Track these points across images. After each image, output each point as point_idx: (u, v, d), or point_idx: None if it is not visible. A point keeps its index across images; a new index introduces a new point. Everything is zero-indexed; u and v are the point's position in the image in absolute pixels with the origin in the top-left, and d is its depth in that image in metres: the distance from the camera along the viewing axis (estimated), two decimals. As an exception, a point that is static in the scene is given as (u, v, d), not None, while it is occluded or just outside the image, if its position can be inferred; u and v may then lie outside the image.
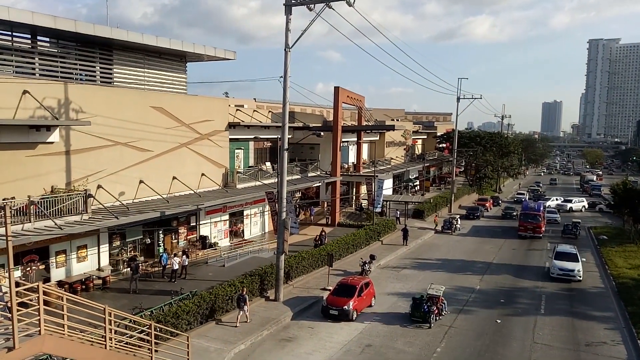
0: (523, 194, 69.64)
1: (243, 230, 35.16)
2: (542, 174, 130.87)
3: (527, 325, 21.06)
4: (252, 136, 36.26)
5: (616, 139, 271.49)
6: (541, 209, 42.33)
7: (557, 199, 64.23)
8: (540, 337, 19.90)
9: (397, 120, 69.86)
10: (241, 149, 36.15)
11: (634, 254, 34.06)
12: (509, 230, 43.91)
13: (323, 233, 33.26)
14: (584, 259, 30.00)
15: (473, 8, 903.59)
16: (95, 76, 26.61)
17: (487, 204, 58.99)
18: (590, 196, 77.23)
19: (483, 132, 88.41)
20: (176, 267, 24.64)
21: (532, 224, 40.16)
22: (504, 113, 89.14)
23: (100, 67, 26.74)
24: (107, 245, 24.75)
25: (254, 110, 38.19)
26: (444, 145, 77.71)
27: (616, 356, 18.30)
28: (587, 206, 61.72)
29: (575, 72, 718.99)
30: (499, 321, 21.50)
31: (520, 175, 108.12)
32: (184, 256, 25.42)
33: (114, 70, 27.30)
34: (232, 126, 33.11)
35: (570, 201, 62.53)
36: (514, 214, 50.57)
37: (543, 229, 40.94)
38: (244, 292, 20.04)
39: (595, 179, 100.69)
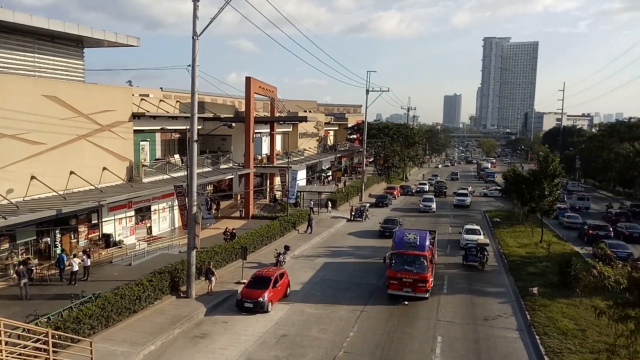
0: (425, 184, 72.54)
1: (151, 227, 33.61)
2: (440, 165, 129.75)
3: (432, 305, 22.47)
4: (159, 127, 34.65)
5: (507, 130, 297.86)
6: (427, 243, 24.14)
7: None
8: (443, 315, 21.36)
9: (310, 111, 70.64)
10: (147, 140, 34.42)
11: (522, 234, 37.69)
12: (372, 273, 27.00)
13: (229, 231, 31.77)
14: None
15: (382, 3, 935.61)
16: (-27, 60, 23.76)
17: (395, 192, 61.93)
18: (485, 182, 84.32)
19: (391, 123, 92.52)
20: (76, 268, 22.93)
21: (411, 274, 22.51)
22: (409, 105, 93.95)
23: (-20, 51, 23.92)
24: (-6, 248, 22.40)
25: (161, 100, 36.45)
26: (355, 136, 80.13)
27: (508, 327, 20.17)
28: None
29: (473, 68, 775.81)
30: (406, 303, 22.67)
31: (424, 164, 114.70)
32: (85, 256, 23.73)
33: (-3, 54, 24.55)
34: (136, 117, 31.35)
35: (465, 194, 57.20)
36: (395, 229, 33.43)
37: (431, 281, 23.28)
38: (210, 266, 23.27)
39: (490, 166, 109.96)
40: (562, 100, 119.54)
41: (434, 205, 51.09)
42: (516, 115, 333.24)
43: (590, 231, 37.37)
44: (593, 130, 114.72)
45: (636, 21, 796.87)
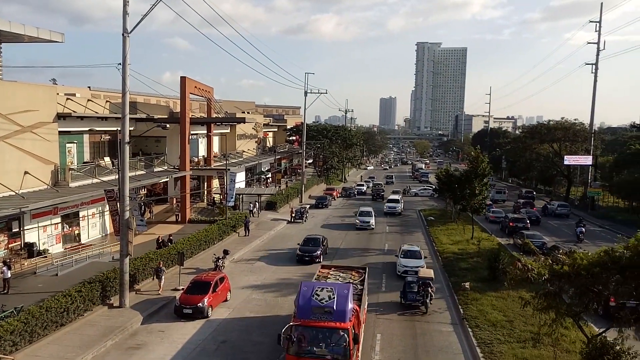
0: (363, 185, 73.52)
1: (79, 234, 31.75)
2: (371, 167, 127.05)
3: (371, 303, 22.90)
4: (87, 128, 32.85)
5: (440, 132, 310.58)
6: (349, 307, 14.84)
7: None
8: (382, 312, 21.84)
9: (248, 112, 69.85)
10: (74, 142, 32.52)
11: (455, 231, 39.42)
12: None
13: (161, 239, 30.35)
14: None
15: (320, 6, 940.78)
16: None
17: (334, 193, 62.66)
18: (420, 182, 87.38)
19: (329, 125, 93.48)
20: (-5, 281, 21.22)
21: None
22: (347, 107, 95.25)
23: None
24: None
25: (89, 100, 34.54)
26: (294, 137, 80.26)
27: (443, 321, 20.98)
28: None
29: (407, 71, 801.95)
30: None
31: (362, 165, 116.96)
32: (5, 267, 22.02)
33: None
34: (61, 117, 29.54)
35: (397, 200, 51.58)
36: (317, 253, 29.77)
37: None
38: (161, 265, 23.72)
39: (424, 167, 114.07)
40: (489, 103, 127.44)
41: (372, 221, 41.67)
42: (448, 117, 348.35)
43: (511, 223, 40.39)
44: (517, 132, 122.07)
45: (554, 31, 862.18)
